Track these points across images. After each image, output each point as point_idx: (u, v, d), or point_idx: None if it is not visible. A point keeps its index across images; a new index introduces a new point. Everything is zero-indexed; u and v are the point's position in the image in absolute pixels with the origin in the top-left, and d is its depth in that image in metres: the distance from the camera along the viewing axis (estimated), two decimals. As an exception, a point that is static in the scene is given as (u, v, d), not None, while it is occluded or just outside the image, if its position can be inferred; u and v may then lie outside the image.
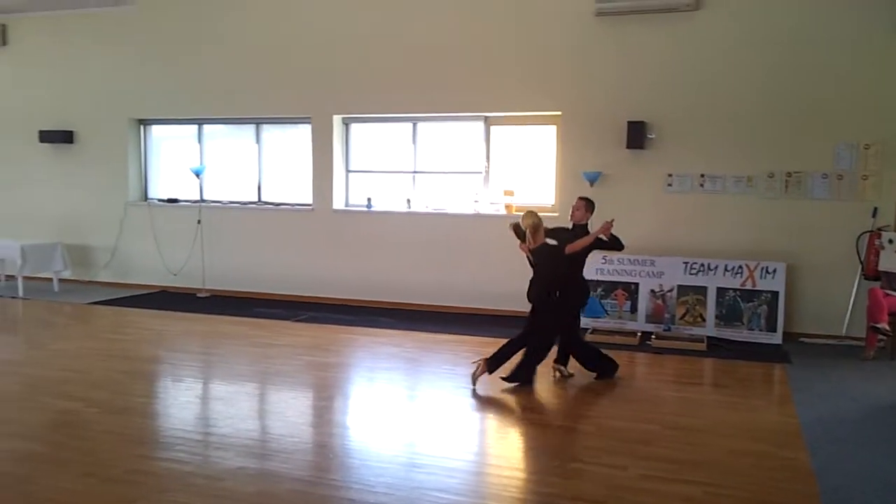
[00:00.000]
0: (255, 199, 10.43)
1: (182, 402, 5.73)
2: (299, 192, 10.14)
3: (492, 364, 5.97)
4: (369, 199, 9.78)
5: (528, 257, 6.17)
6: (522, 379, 6.03)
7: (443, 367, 6.81)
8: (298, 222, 10.00)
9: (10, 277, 10.49)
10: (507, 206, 9.08)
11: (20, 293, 9.99)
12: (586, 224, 6.34)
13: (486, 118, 9.22)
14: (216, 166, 10.57)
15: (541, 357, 6.10)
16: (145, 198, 11.00)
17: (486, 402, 5.81)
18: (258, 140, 10.37)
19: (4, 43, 11.20)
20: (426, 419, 5.46)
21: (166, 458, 4.45)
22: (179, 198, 10.74)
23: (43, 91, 11.14)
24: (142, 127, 10.92)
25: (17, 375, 6.30)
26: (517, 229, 6.13)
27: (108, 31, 10.69)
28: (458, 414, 5.58)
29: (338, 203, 9.86)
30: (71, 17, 10.86)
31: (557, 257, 5.98)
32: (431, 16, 9.13)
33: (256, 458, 4.48)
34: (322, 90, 9.65)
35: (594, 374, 6.30)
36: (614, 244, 6.21)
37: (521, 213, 6.19)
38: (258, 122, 10.32)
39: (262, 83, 9.92)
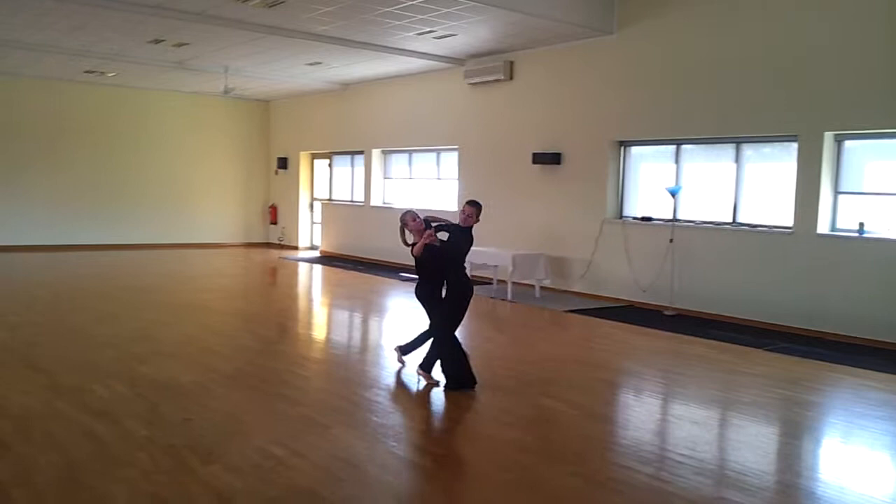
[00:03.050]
0: (730, 220, 10.16)
1: (657, 418, 5.84)
2: (778, 213, 9.57)
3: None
4: (861, 224, 8.78)
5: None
6: (447, 375, 6.31)
7: (955, 426, 5.77)
8: (775, 245, 9.44)
9: (502, 282, 11.94)
10: None
11: (509, 296, 11.31)
12: (469, 228, 6.49)
13: None
14: (691, 186, 10.58)
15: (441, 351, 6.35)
16: (620, 215, 11.52)
17: None
18: (737, 159, 10.09)
19: (511, 77, 12.80)
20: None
21: (647, 473, 4.56)
22: (653, 216, 11.01)
23: (537, 117, 12.45)
24: (622, 148, 11.48)
25: (510, 370, 7.11)
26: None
27: (593, 59, 11.49)
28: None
29: (822, 227, 9.06)
30: (562, 49, 11.93)
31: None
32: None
33: (737, 492, 4.31)
34: (813, 105, 8.95)
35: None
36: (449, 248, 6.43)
37: None
38: (738, 142, 10.03)
39: (744, 102, 9.60)
